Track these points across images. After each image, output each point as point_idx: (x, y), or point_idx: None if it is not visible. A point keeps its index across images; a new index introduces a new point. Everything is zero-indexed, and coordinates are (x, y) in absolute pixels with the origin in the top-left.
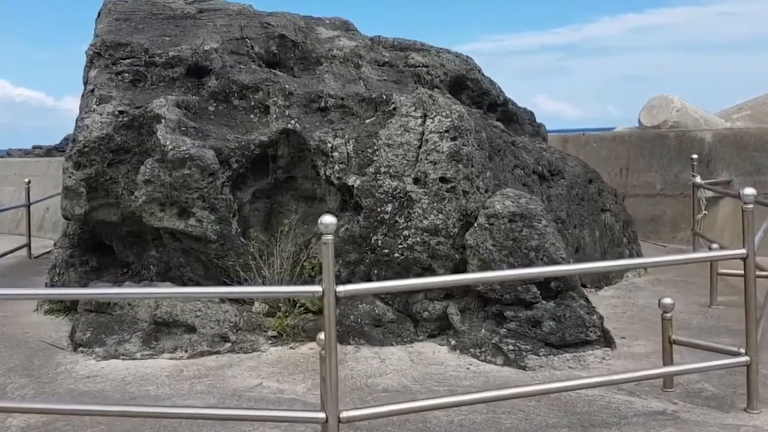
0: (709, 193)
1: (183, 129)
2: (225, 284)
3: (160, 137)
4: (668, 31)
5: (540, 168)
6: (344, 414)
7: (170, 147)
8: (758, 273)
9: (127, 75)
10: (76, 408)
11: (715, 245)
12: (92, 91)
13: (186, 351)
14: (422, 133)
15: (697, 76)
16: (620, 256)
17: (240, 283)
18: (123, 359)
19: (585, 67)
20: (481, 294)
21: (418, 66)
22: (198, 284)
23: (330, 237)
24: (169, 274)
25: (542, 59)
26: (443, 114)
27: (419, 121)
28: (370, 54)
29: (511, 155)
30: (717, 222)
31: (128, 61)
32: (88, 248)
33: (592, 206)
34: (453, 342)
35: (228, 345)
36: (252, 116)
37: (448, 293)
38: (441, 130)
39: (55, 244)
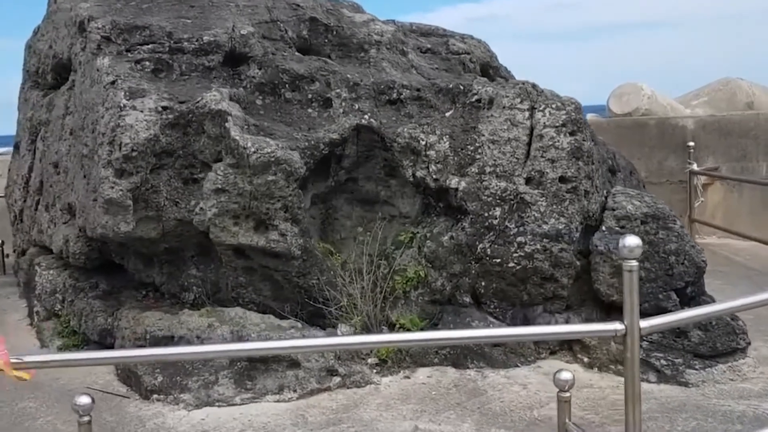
0: (704, 180)
1: (246, 127)
2: (303, 305)
3: (237, 138)
4: (503, 21)
5: (609, 161)
6: None
7: (253, 149)
8: None
9: (147, 63)
10: None
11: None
12: (113, 83)
13: (294, 391)
14: (531, 128)
15: (534, 65)
16: None
17: (325, 304)
18: (220, 406)
19: None
20: (613, 304)
21: (461, 53)
22: (262, 307)
23: (635, 263)
24: (219, 296)
25: None
26: (553, 106)
27: (526, 114)
28: (410, 40)
29: None
30: (708, 208)
31: (148, 47)
32: (94, 269)
33: None
34: (586, 359)
35: (338, 379)
36: (310, 111)
37: (569, 304)
38: (557, 124)
39: (38, 264)
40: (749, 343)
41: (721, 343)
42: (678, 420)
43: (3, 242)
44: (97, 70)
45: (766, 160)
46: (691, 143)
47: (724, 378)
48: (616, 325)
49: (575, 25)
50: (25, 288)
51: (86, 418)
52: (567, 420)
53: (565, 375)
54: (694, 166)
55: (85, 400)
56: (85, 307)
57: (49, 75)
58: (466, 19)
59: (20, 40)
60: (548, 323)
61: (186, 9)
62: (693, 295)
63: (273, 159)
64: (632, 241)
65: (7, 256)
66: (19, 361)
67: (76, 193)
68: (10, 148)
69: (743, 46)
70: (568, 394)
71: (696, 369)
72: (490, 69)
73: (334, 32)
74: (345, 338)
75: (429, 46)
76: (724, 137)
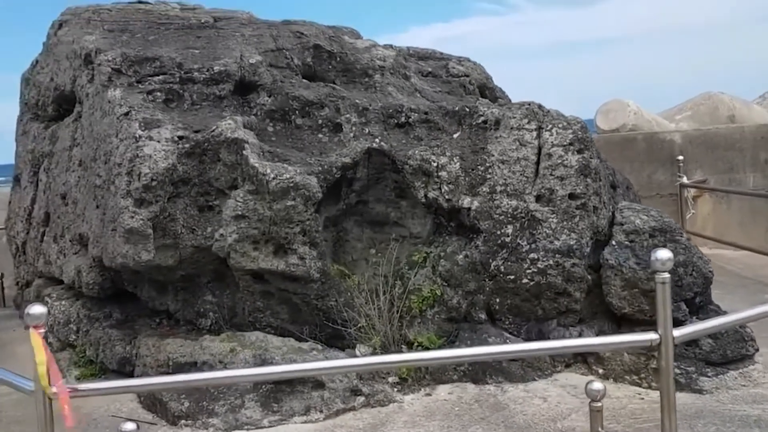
0: (694, 192)
1: (261, 154)
2: (321, 327)
3: (256, 165)
4: (472, 40)
5: (610, 177)
6: None
7: (272, 176)
8: None
9: (159, 94)
10: None
11: None
12: (127, 114)
13: (321, 411)
14: (539, 147)
15: (501, 82)
16: None
17: (343, 325)
18: (248, 429)
19: None
20: (625, 316)
21: (461, 75)
22: (280, 330)
23: (667, 275)
24: (235, 320)
25: None
26: (560, 126)
27: (534, 134)
28: (411, 64)
29: None
30: (698, 219)
31: (159, 78)
32: (106, 298)
33: None
34: (601, 371)
35: (362, 399)
36: (321, 136)
37: (582, 318)
38: (565, 143)
39: (48, 296)
40: (757, 350)
41: (731, 350)
42: (698, 426)
43: (3, 274)
44: (109, 101)
45: (753, 172)
46: (681, 157)
47: (736, 384)
48: (651, 335)
49: (544, 43)
50: None
51: None
52: (600, 429)
53: (597, 386)
54: (684, 179)
55: (130, 426)
56: (102, 336)
57: (50, 107)
58: (437, 39)
59: (7, 72)
60: (562, 337)
61: (193, 40)
62: (701, 305)
63: (292, 184)
64: (664, 254)
65: (7, 288)
66: (75, 389)
67: (88, 224)
68: (9, 177)
69: (714, 60)
70: (600, 404)
71: (708, 376)
72: (487, 90)
73: (338, 59)
74: (373, 358)
75: (430, 69)
76: (710, 150)
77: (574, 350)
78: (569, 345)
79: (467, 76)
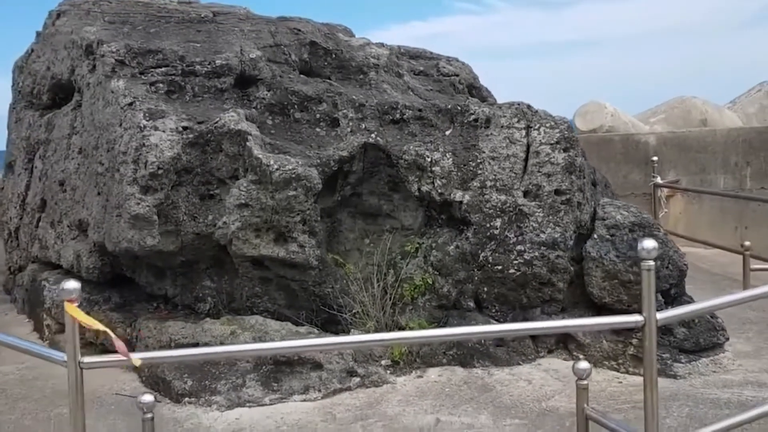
0: (666, 192)
1: (262, 146)
2: (317, 312)
3: (260, 156)
4: (450, 39)
5: (591, 175)
6: None
7: (276, 167)
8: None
9: (161, 86)
10: None
11: None
12: (131, 104)
13: (319, 391)
14: (528, 145)
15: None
16: None
17: (338, 311)
18: (251, 406)
19: None
20: (605, 305)
21: (451, 75)
22: (277, 315)
23: (652, 263)
24: (233, 305)
25: None
26: (547, 125)
27: (523, 132)
28: (403, 62)
29: None
30: (670, 218)
31: (161, 69)
32: (105, 282)
33: None
34: (581, 356)
35: (357, 380)
36: (318, 130)
37: (564, 307)
38: (552, 142)
39: (45, 280)
40: (728, 339)
41: (703, 338)
42: (673, 407)
43: None
44: (112, 92)
45: (724, 174)
46: (655, 158)
47: (707, 370)
48: (636, 317)
49: (521, 44)
50: (28, 303)
51: (149, 415)
52: (585, 405)
53: (583, 365)
54: (658, 179)
55: (148, 398)
56: (102, 319)
57: (45, 95)
58: (415, 37)
59: None
60: None
61: (193, 33)
62: (676, 296)
63: (294, 175)
64: (650, 243)
65: None
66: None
67: (88, 210)
68: None
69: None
70: (586, 382)
71: (682, 362)
72: (474, 90)
73: (333, 55)
74: (373, 335)
75: (421, 68)
76: (684, 152)
77: (564, 330)
78: (559, 326)
79: (457, 75)
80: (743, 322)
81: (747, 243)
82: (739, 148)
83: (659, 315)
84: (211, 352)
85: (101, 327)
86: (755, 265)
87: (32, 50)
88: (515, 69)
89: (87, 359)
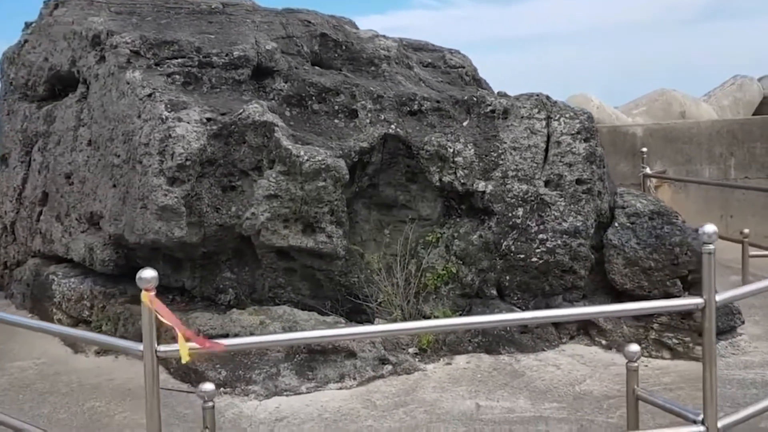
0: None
1: (288, 137)
2: (342, 302)
3: (289, 147)
4: (409, 33)
5: None
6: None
7: (306, 158)
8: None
9: (178, 77)
10: None
11: None
12: (150, 95)
13: (354, 379)
14: (548, 135)
15: None
16: None
17: (364, 300)
18: (288, 395)
19: None
20: (626, 291)
21: (458, 66)
22: (300, 305)
23: (713, 247)
24: (254, 296)
25: None
26: (567, 116)
27: (543, 123)
28: (412, 54)
29: None
30: None
31: (178, 61)
32: (119, 275)
33: None
34: (603, 341)
35: (389, 367)
36: (337, 121)
37: (584, 294)
38: (573, 132)
39: (53, 274)
40: (743, 322)
41: (721, 322)
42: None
43: None
44: (128, 83)
45: (709, 164)
46: (644, 149)
47: (727, 352)
48: (697, 299)
49: (483, 39)
50: (30, 298)
51: (210, 404)
52: (636, 386)
53: (634, 347)
54: (647, 170)
55: (209, 386)
56: (122, 311)
57: (41, 87)
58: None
59: None
60: None
61: (205, 25)
62: (693, 282)
63: (324, 166)
64: (710, 228)
65: None
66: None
67: (102, 202)
68: None
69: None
70: (636, 365)
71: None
72: (475, 81)
73: (344, 47)
74: (405, 324)
75: (429, 60)
76: (670, 143)
77: (622, 314)
78: (618, 309)
79: (463, 67)
80: (749, 307)
81: (746, 230)
82: (724, 139)
83: (718, 297)
84: (287, 338)
85: (175, 321)
86: (752, 251)
87: (25, 41)
88: (483, 63)
89: (163, 348)
